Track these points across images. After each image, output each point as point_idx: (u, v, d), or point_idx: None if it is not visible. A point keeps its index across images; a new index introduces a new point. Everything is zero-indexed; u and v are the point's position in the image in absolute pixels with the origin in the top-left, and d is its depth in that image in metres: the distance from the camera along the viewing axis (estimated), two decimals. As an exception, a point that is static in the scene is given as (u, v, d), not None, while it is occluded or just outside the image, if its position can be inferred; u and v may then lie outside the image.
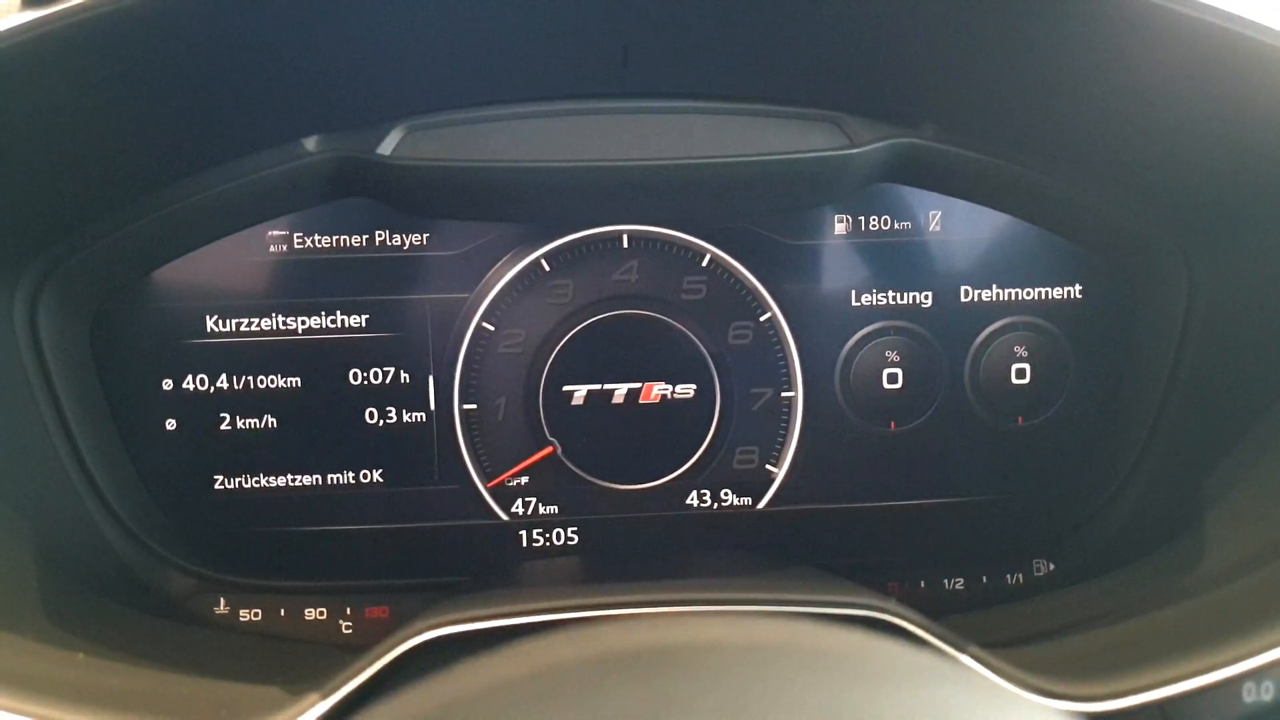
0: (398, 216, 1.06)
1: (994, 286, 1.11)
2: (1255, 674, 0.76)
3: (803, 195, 1.06)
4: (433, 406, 1.09)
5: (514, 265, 1.08)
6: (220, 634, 1.06)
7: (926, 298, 1.11)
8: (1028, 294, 1.11)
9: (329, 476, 1.09)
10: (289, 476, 1.09)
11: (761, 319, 1.10)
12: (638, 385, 1.10)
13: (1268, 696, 0.76)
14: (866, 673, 0.42)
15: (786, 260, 1.10)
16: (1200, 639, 0.80)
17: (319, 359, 1.07)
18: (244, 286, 1.06)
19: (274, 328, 1.07)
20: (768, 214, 1.09)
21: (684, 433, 1.11)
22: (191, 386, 1.06)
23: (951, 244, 1.10)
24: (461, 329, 1.08)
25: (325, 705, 0.75)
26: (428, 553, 1.10)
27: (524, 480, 1.11)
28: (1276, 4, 0.80)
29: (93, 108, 0.83)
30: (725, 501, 1.13)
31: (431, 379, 1.08)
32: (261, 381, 1.07)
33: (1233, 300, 1.02)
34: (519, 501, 1.11)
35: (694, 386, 1.10)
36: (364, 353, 1.08)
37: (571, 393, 1.10)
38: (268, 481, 1.08)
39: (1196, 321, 1.04)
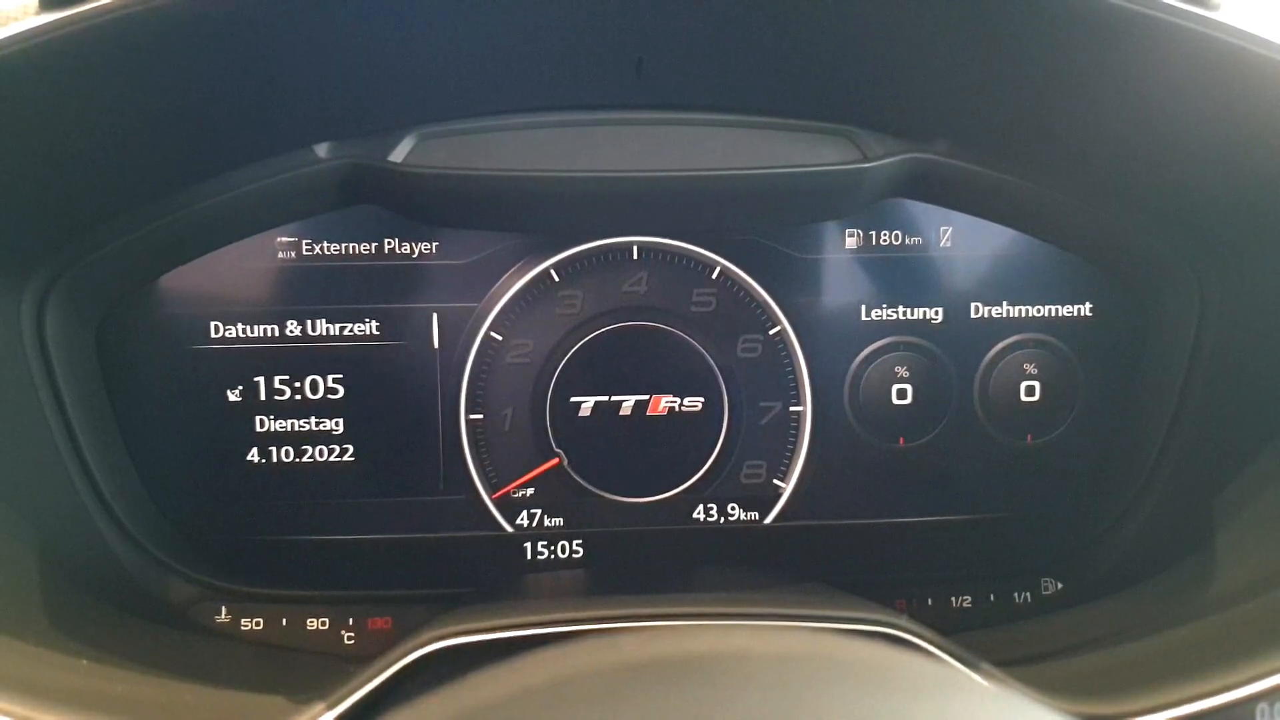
0: (407, 224, 1.06)
1: (1004, 303, 1.11)
2: (1269, 695, 0.75)
3: (814, 209, 1.06)
4: (439, 416, 1.08)
5: (523, 275, 1.07)
6: (221, 642, 1.05)
7: (937, 313, 1.10)
8: (1038, 311, 1.11)
9: (333, 485, 1.08)
10: (293, 485, 1.08)
11: (771, 332, 1.10)
12: (645, 397, 1.09)
13: (1281, 718, 0.75)
14: (895, 685, 0.41)
15: (797, 274, 1.09)
16: (1213, 660, 0.79)
17: (325, 366, 1.07)
18: (251, 293, 1.06)
19: (281, 335, 1.06)
20: (778, 227, 1.09)
21: (691, 446, 1.11)
22: (197, 393, 1.06)
23: (962, 260, 1.10)
24: (469, 338, 1.08)
25: (331, 715, 0.74)
26: (431, 564, 1.10)
27: (529, 492, 1.11)
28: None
29: (105, 111, 0.83)
30: (732, 516, 1.12)
31: (439, 388, 1.08)
32: (267, 389, 1.06)
33: (1244, 320, 1.02)
34: (524, 513, 1.11)
35: (702, 399, 1.10)
36: (371, 361, 1.07)
37: (579, 404, 1.09)
38: (271, 489, 1.08)
39: (1207, 340, 1.04)
